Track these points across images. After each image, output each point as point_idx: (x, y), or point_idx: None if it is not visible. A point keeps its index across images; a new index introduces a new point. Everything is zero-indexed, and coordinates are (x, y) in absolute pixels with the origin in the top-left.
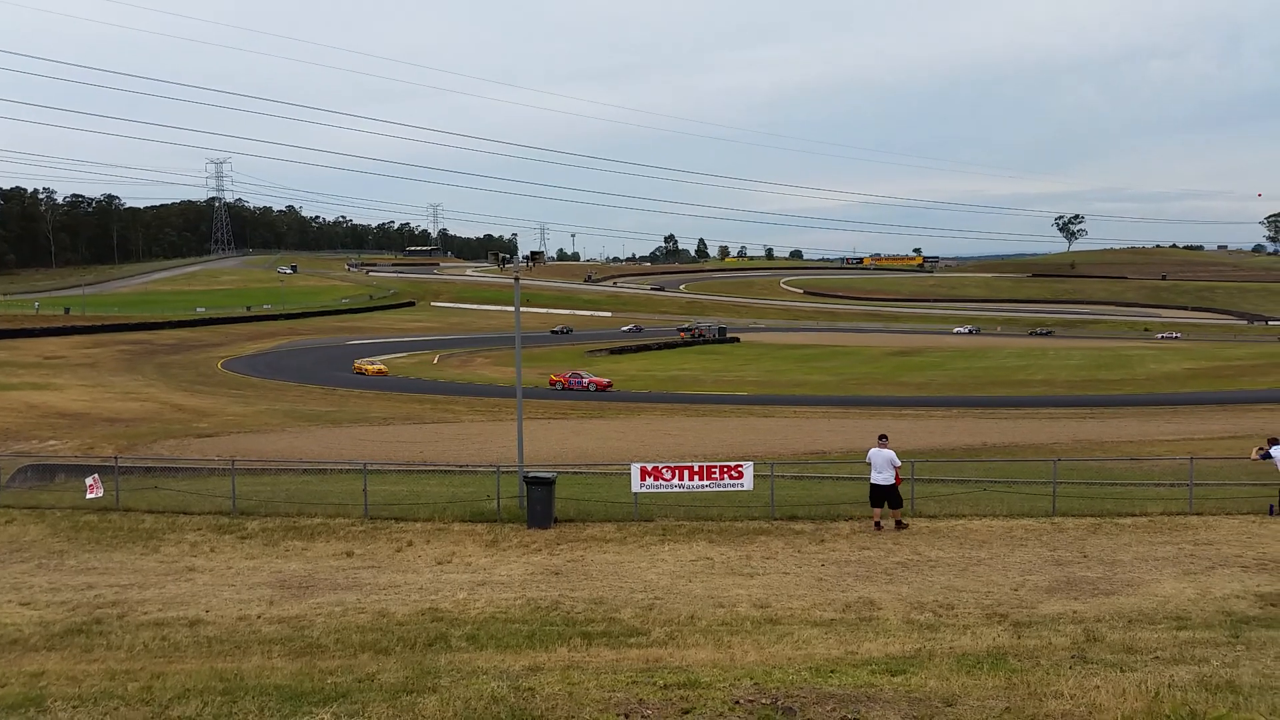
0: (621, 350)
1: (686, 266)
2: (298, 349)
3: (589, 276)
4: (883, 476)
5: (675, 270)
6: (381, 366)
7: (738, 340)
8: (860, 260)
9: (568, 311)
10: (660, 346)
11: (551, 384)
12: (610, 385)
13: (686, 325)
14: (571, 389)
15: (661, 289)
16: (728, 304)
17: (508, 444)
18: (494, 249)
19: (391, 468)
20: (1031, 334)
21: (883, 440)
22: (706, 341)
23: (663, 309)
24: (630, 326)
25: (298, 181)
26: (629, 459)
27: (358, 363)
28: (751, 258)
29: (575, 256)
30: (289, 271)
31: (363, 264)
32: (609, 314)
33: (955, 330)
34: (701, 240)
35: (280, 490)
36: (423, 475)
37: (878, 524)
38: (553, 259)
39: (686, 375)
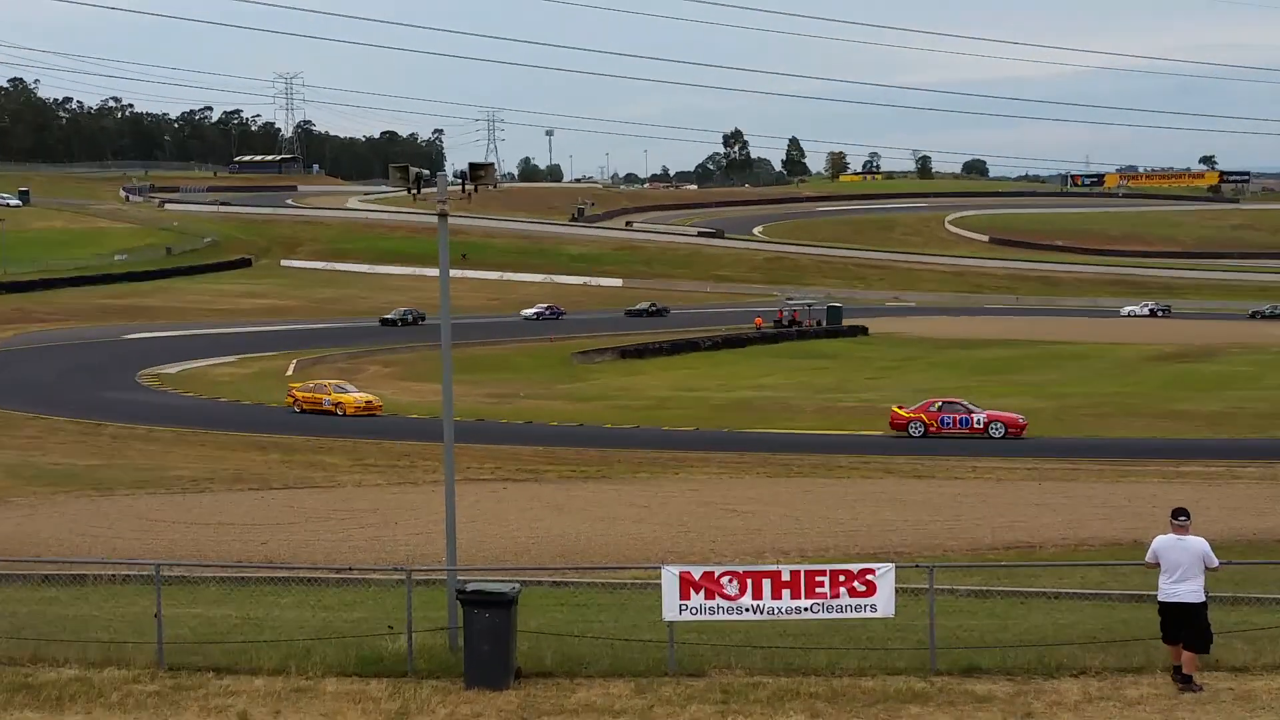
0: (641, 350)
1: (765, 193)
2: (33, 348)
3: (580, 210)
4: (1189, 588)
5: (742, 200)
6: (370, 399)
7: (864, 331)
8: (1098, 180)
9: (541, 278)
10: (716, 343)
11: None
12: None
13: (788, 303)
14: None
15: (718, 234)
16: (845, 262)
17: (428, 527)
18: (399, 162)
19: (210, 573)
20: None
21: (1181, 521)
22: (804, 333)
23: (720, 270)
24: (647, 304)
25: (32, 36)
26: (657, 556)
27: (298, 390)
28: (889, 175)
29: (554, 174)
30: (14, 203)
31: (154, 188)
32: (618, 281)
33: (1267, 310)
34: (794, 143)
35: (1, 615)
36: (268, 587)
37: (1182, 677)
38: (509, 178)
39: (766, 397)
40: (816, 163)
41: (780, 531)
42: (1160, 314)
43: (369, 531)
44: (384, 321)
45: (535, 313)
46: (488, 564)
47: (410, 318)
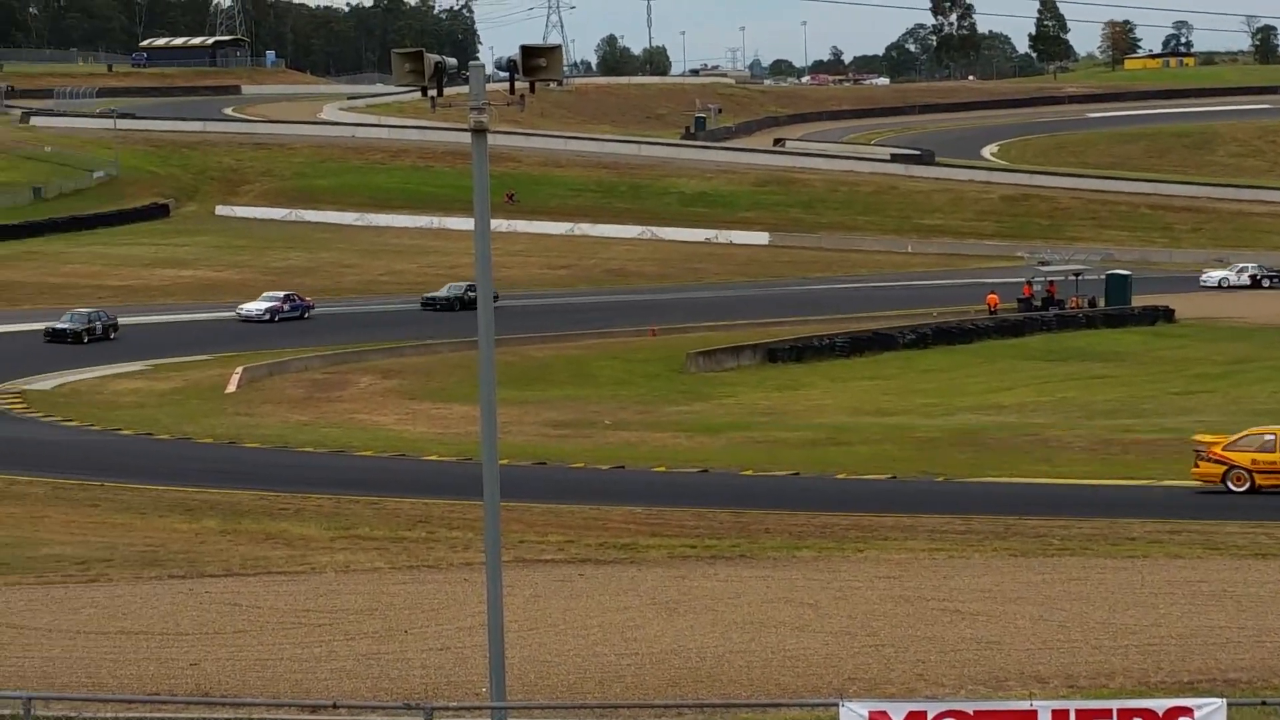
0: (800, 349)
1: (1000, 90)
2: None
3: (700, 121)
4: None
5: (964, 103)
6: None
7: (1168, 315)
8: None
9: (636, 231)
10: (923, 336)
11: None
12: None
13: (1041, 271)
14: None
15: (924, 158)
16: (1134, 203)
17: (457, 639)
18: (405, 46)
19: (110, 711)
20: None
21: None
22: (1068, 319)
23: (928, 218)
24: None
25: None
26: (831, 687)
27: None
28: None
29: (657, 62)
30: None
31: (13, 91)
32: (762, 236)
33: None
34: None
35: None
36: None
37: None
38: (582, 70)
39: (1005, 425)
40: (1086, 41)
41: (1033, 645)
42: None
43: (362, 645)
44: (427, 303)
45: (265, 310)
46: (556, 699)
47: (472, 295)
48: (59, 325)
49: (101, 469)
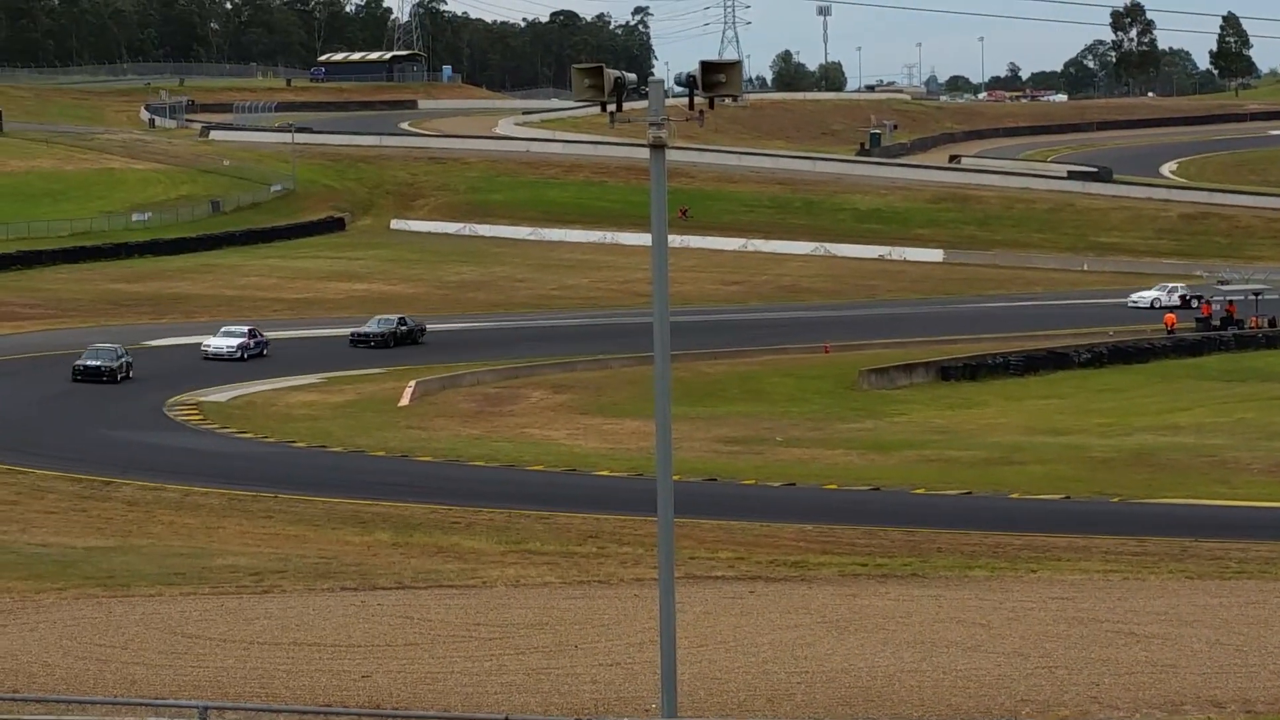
0: (974, 368)
1: (1181, 106)
2: (6, 360)
3: (875, 137)
4: None
5: (1143, 120)
6: None
7: None
8: None
9: (809, 248)
10: (1098, 355)
11: None
12: None
13: (1221, 290)
14: None
15: (1102, 175)
16: None
17: (627, 655)
18: (583, 61)
19: None
20: None
21: None
22: (1247, 339)
23: (1105, 235)
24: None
25: None
26: (1005, 708)
27: None
28: None
29: (832, 78)
30: None
31: (194, 105)
32: (937, 254)
33: None
34: (1230, 24)
35: None
36: None
37: None
38: (758, 86)
39: (1182, 446)
40: (1269, 57)
41: (1209, 669)
42: None
43: (532, 659)
44: (357, 340)
45: (232, 349)
46: (727, 716)
47: (404, 329)
48: (89, 362)
49: (276, 481)
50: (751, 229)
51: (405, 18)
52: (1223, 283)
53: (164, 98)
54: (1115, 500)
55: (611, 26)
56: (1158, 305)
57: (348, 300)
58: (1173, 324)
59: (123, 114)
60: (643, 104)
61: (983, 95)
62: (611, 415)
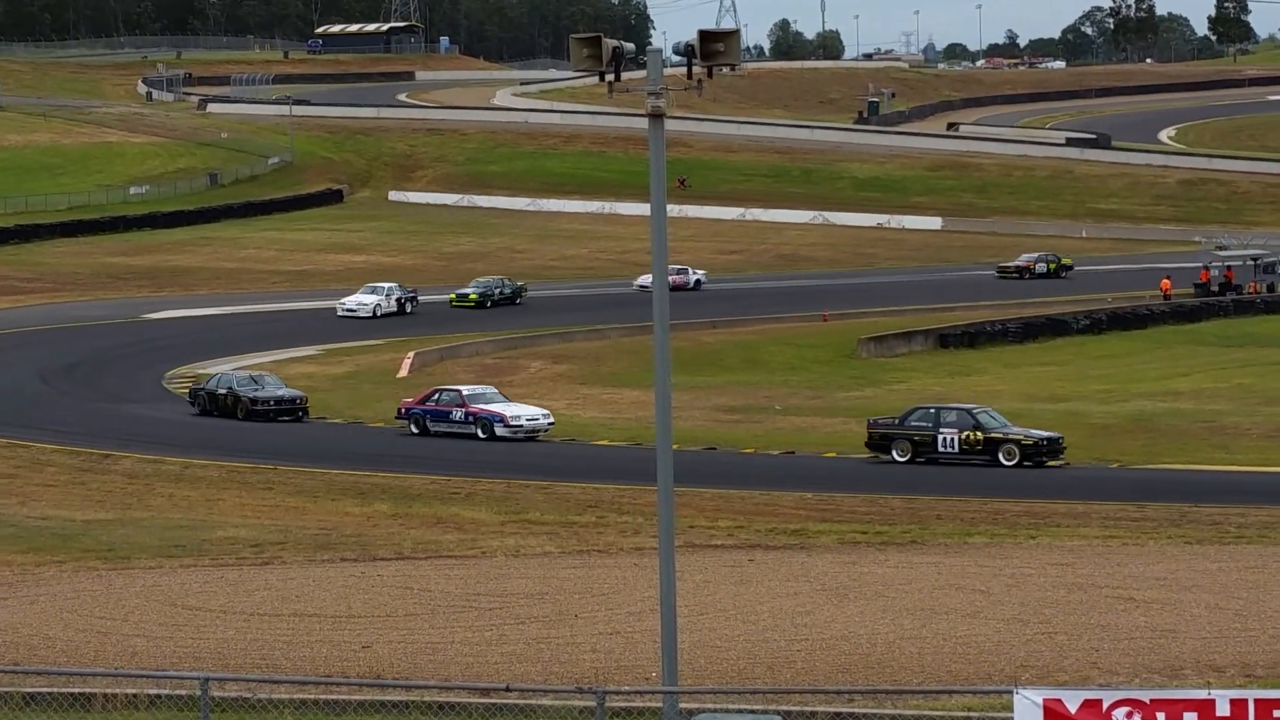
0: (973, 335)
1: (1179, 73)
2: (5, 335)
3: (873, 105)
4: None
5: (1141, 86)
6: None
7: None
8: None
9: (808, 216)
10: (1096, 322)
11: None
12: None
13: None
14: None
15: (1100, 142)
16: None
17: (627, 624)
18: (581, 31)
19: (284, 692)
20: None
21: None
22: (1245, 304)
23: (1103, 202)
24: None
25: None
26: (1004, 674)
27: None
28: None
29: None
30: None
31: (191, 78)
32: (935, 221)
33: None
34: None
35: None
36: (375, 716)
37: None
38: (755, 55)
39: (1180, 412)
40: (1267, 22)
41: (1209, 634)
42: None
43: (533, 629)
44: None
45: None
46: (727, 684)
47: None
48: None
49: (275, 453)
50: (750, 198)
51: None
52: (1221, 248)
53: (161, 71)
54: (1114, 466)
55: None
56: None
57: (346, 272)
58: (1168, 289)
59: (120, 87)
60: (641, 73)
61: (981, 63)
62: (610, 385)
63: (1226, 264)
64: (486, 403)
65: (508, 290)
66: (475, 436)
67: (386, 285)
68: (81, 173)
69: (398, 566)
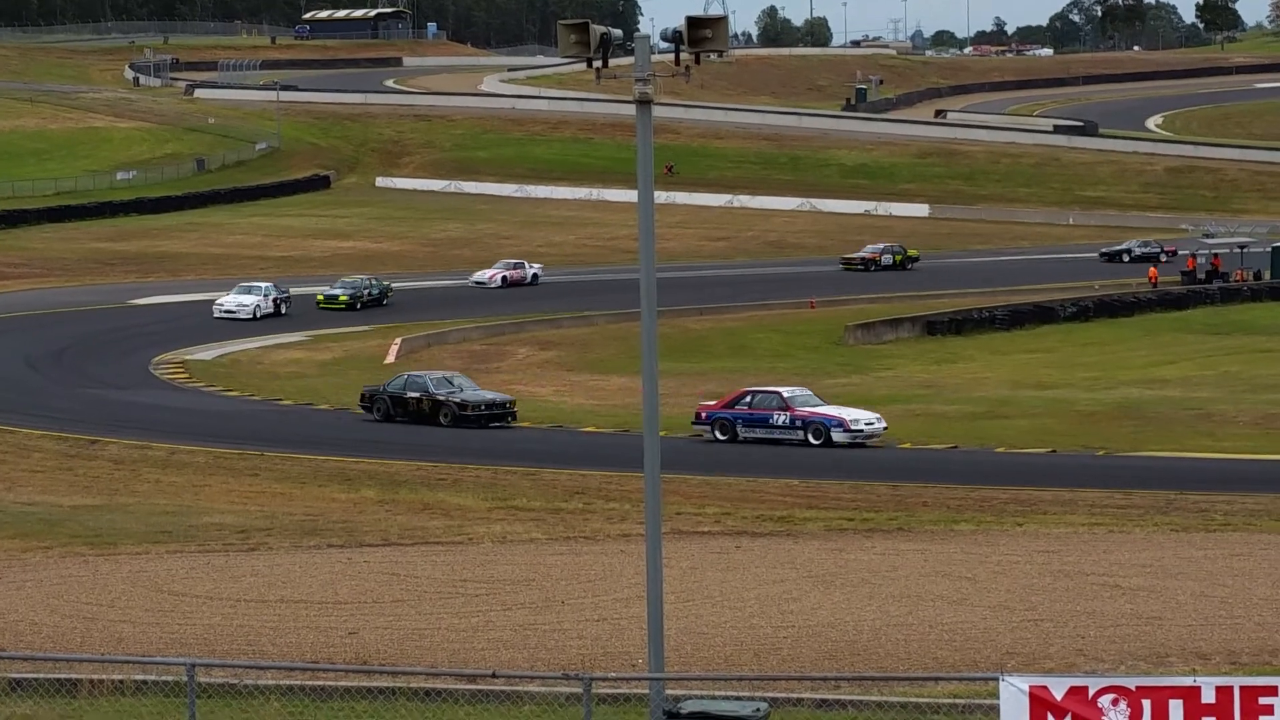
0: (960, 322)
1: (1166, 60)
2: None
3: (861, 92)
4: None
5: (1128, 73)
6: None
7: None
8: None
9: (795, 203)
10: (1083, 309)
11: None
12: None
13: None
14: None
15: (1087, 129)
16: None
17: (614, 611)
18: (569, 17)
19: (270, 678)
20: None
21: None
22: (1231, 292)
23: (1090, 189)
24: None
25: None
26: (990, 661)
27: None
28: None
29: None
30: None
31: (178, 64)
32: (922, 208)
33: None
34: None
35: None
36: (361, 703)
37: None
38: (743, 42)
39: (1167, 399)
40: (1254, 10)
41: (1195, 621)
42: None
43: (519, 615)
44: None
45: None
46: (713, 670)
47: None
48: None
49: (262, 439)
50: (737, 185)
51: None
52: (1208, 236)
53: (148, 56)
54: (1101, 453)
55: None
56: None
57: (334, 258)
58: (1155, 277)
59: (107, 73)
60: (628, 60)
61: (968, 50)
62: (598, 371)
63: (1214, 250)
64: (810, 405)
65: (375, 290)
66: (803, 444)
67: (263, 285)
68: (68, 158)
69: (384, 552)
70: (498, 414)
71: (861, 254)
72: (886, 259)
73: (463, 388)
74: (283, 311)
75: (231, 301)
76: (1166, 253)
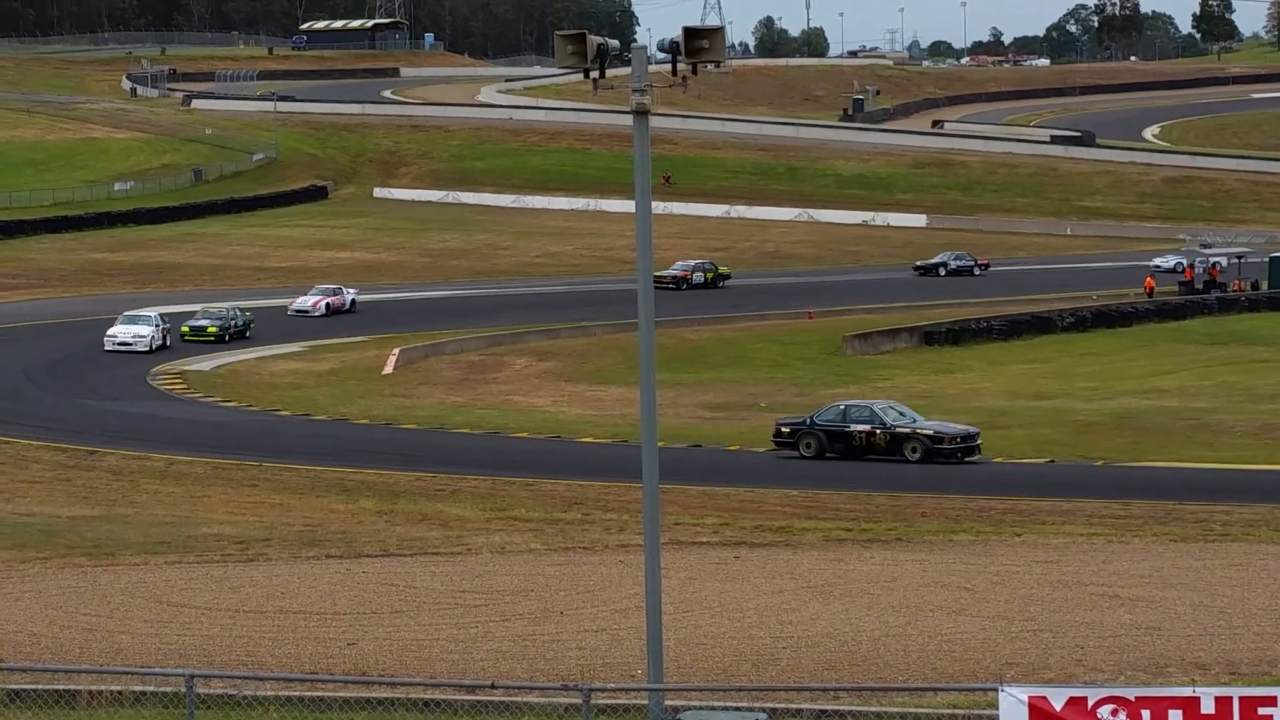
0: (957, 333)
1: (1163, 71)
2: None
3: (858, 102)
4: None
5: (1126, 84)
6: None
7: None
8: None
9: (793, 214)
10: (1082, 319)
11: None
12: None
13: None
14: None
15: (1084, 139)
16: None
17: (613, 621)
18: (566, 27)
19: (269, 689)
20: None
21: None
22: (1229, 302)
23: (1087, 200)
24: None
25: None
26: (989, 672)
27: None
28: None
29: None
30: None
31: (175, 74)
32: (920, 219)
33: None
34: None
35: None
36: (360, 714)
37: None
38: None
39: (1165, 409)
40: (1251, 21)
41: (1193, 631)
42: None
43: (518, 626)
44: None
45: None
46: (712, 681)
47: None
48: (668, 273)
49: (260, 449)
50: (734, 195)
51: None
52: (1205, 245)
53: (145, 67)
54: (1099, 464)
55: None
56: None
57: (331, 268)
58: (1152, 287)
59: (104, 83)
60: (625, 70)
61: (965, 60)
62: (595, 382)
63: (1212, 261)
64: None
65: (239, 323)
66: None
67: (153, 314)
68: (66, 168)
69: (383, 563)
70: (971, 446)
71: (672, 271)
72: (698, 277)
73: (915, 417)
74: (168, 344)
75: (126, 332)
76: (980, 266)
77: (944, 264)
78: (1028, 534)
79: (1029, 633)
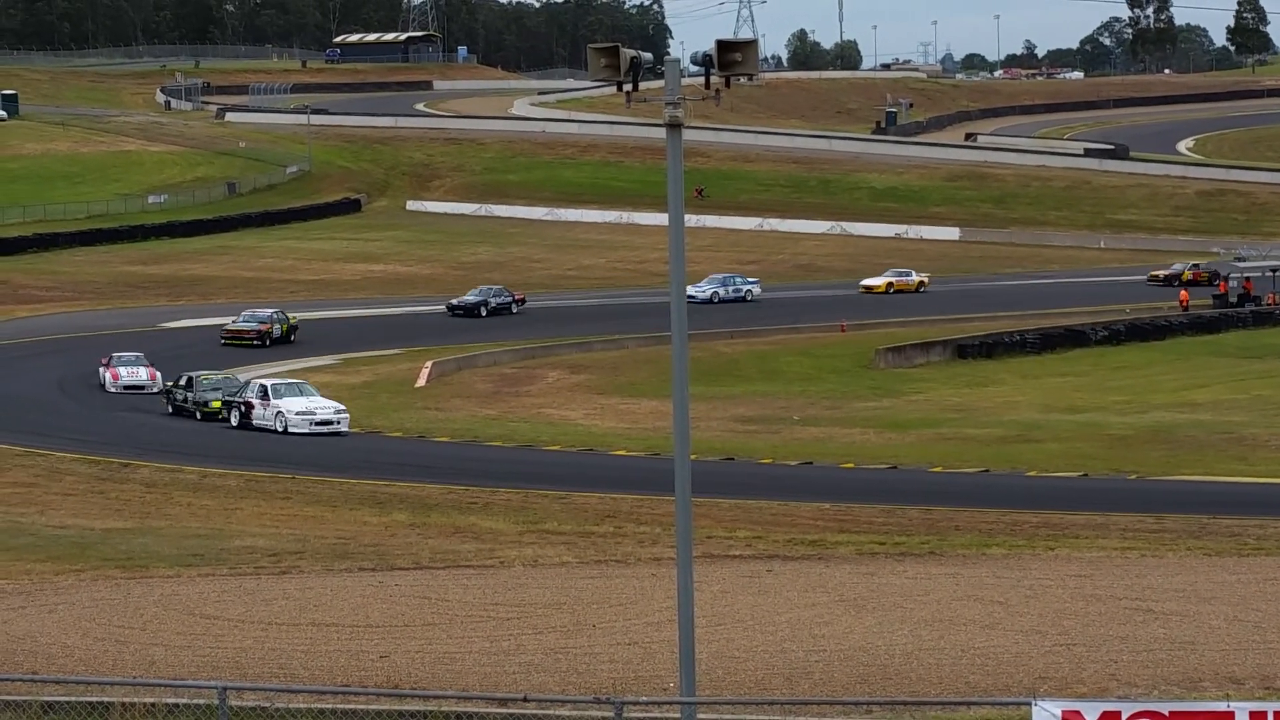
0: (991, 345)
1: (1198, 83)
2: (22, 343)
3: (890, 115)
4: None
5: (1160, 97)
6: None
7: None
8: None
9: (825, 227)
10: (1115, 333)
11: None
12: None
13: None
14: None
15: (1118, 152)
16: None
17: (645, 635)
18: (599, 41)
19: (301, 701)
20: None
21: None
22: (1265, 316)
23: (1121, 213)
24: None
25: None
26: (1022, 686)
27: None
28: None
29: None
30: None
31: (209, 87)
32: (953, 232)
33: None
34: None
35: None
36: None
37: None
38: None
39: (1199, 423)
40: None
41: (1228, 646)
42: None
43: (550, 639)
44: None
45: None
46: (745, 694)
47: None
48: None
49: (293, 462)
50: (767, 208)
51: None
52: (1240, 259)
53: (179, 80)
54: (1132, 477)
55: (627, 6)
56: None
57: (364, 281)
58: (1186, 301)
59: (138, 96)
60: (659, 83)
61: (999, 73)
62: (628, 395)
63: (1247, 274)
64: None
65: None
66: None
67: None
68: (100, 181)
69: (415, 576)
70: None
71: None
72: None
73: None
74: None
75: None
76: (517, 301)
77: (484, 303)
78: (1061, 548)
79: (1062, 647)
